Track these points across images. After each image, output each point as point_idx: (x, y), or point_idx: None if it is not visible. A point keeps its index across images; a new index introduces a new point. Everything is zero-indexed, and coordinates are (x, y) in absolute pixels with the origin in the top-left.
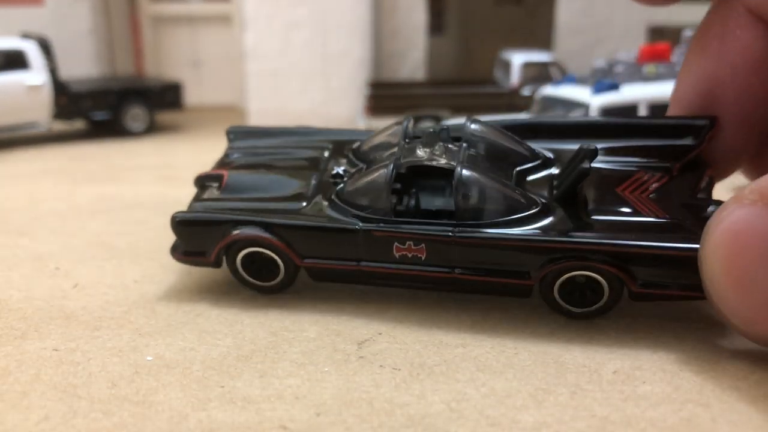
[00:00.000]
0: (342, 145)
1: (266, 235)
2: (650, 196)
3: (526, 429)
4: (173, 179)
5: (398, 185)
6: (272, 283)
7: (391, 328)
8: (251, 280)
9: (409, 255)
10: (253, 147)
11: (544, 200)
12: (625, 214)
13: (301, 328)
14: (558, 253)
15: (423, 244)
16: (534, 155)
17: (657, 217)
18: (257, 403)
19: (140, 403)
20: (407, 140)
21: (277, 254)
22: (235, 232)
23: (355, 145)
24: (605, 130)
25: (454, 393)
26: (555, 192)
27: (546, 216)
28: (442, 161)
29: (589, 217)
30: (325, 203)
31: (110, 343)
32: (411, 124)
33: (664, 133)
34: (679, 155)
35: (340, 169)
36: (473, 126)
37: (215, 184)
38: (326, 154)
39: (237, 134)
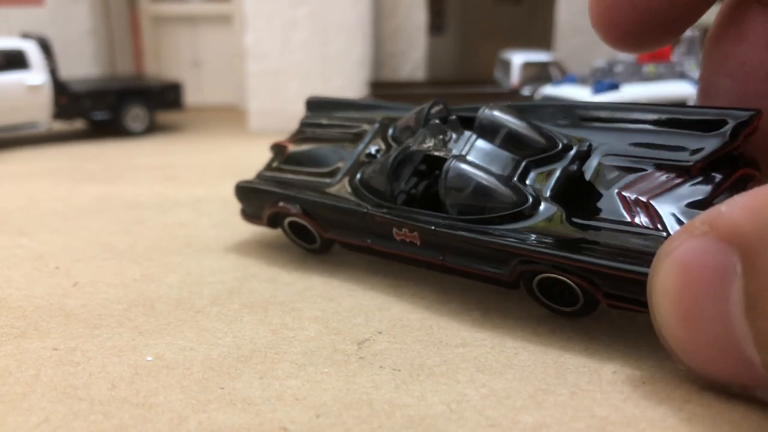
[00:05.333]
0: (393, 121)
1: (296, 209)
2: (652, 200)
3: (526, 430)
4: (173, 179)
5: (423, 166)
6: (314, 246)
7: (391, 327)
8: (298, 241)
9: (407, 240)
10: (321, 120)
11: (535, 198)
12: (611, 221)
13: (301, 326)
14: (522, 258)
15: (416, 232)
16: (552, 144)
17: (644, 226)
18: (257, 405)
19: (140, 404)
20: (425, 126)
21: (308, 225)
22: (275, 203)
23: (392, 126)
24: (634, 119)
25: (454, 394)
26: (551, 189)
27: (530, 216)
28: (441, 152)
29: (572, 221)
30: (350, 184)
31: (110, 342)
32: (433, 109)
33: (694, 126)
34: (704, 153)
35: (374, 150)
36: (489, 113)
37: (281, 155)
38: (373, 132)
39: (313, 105)
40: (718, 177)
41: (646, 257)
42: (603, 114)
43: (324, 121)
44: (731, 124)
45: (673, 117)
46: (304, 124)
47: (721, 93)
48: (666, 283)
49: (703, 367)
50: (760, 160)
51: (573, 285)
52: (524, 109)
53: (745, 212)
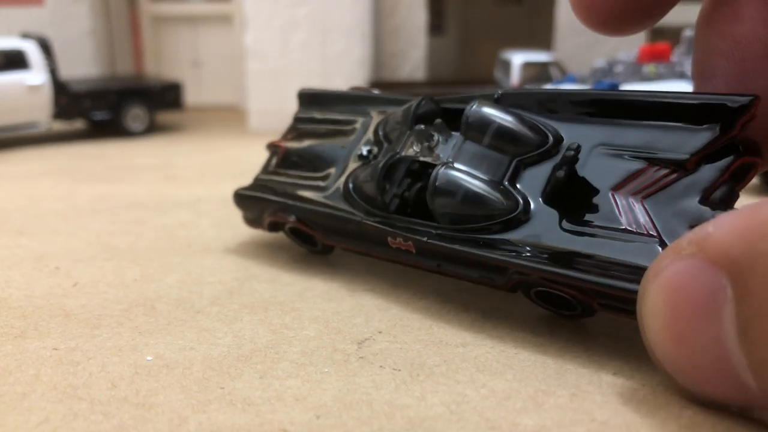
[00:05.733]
0: (383, 117)
1: (294, 219)
2: (645, 199)
3: None
4: (173, 179)
5: (416, 165)
6: (316, 248)
7: (391, 327)
8: (301, 243)
9: (402, 248)
10: (314, 115)
11: (526, 201)
12: (604, 228)
13: (301, 326)
14: (516, 272)
15: (410, 242)
16: (543, 140)
17: (637, 232)
18: (257, 405)
19: (140, 404)
20: (412, 129)
21: (307, 232)
22: (273, 213)
23: (382, 122)
24: (628, 107)
25: (454, 395)
26: (542, 192)
27: (523, 222)
28: (429, 158)
29: (564, 229)
30: (342, 190)
31: (110, 342)
32: (420, 106)
33: (689, 114)
34: (699, 145)
35: (365, 150)
36: (477, 109)
37: (276, 155)
38: (364, 129)
39: (305, 98)
40: (716, 169)
41: (639, 272)
42: (594, 101)
43: (316, 116)
44: (728, 111)
45: (668, 103)
46: (297, 120)
47: (717, 74)
48: (656, 305)
49: (698, 388)
50: (761, 145)
51: (569, 297)
52: (510, 97)
53: (733, 235)
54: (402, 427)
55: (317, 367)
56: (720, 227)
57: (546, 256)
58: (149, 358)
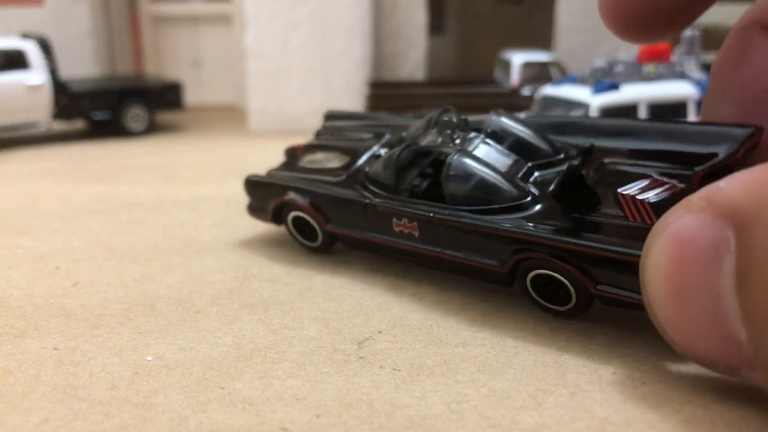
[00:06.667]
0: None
1: (301, 200)
2: (651, 201)
3: (526, 430)
4: (173, 179)
5: (430, 170)
6: (315, 243)
7: (391, 327)
8: (300, 238)
9: (405, 231)
10: (337, 127)
11: (535, 194)
12: (610, 216)
13: (301, 326)
14: (517, 244)
15: (415, 222)
16: (556, 151)
17: (640, 221)
18: (257, 405)
19: (140, 404)
20: (432, 128)
21: (310, 218)
22: (281, 194)
23: (406, 132)
24: (638, 132)
25: (454, 394)
26: (553, 187)
27: (529, 209)
28: (445, 147)
29: (570, 216)
30: (357, 178)
31: (110, 342)
32: (442, 114)
33: (699, 140)
34: (705, 164)
35: (382, 151)
36: (499, 119)
37: (293, 157)
38: (386, 137)
39: (330, 117)
40: None
41: (639, 244)
42: (606, 127)
43: (340, 125)
44: (732, 138)
45: (676, 130)
46: (317, 133)
47: (721, 116)
48: (659, 257)
49: (690, 344)
50: None
51: (566, 281)
52: (530, 124)
53: (743, 188)
54: (402, 425)
55: (317, 367)
56: (731, 181)
57: (550, 229)
58: (149, 358)
